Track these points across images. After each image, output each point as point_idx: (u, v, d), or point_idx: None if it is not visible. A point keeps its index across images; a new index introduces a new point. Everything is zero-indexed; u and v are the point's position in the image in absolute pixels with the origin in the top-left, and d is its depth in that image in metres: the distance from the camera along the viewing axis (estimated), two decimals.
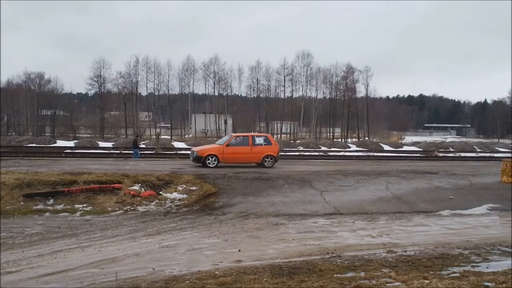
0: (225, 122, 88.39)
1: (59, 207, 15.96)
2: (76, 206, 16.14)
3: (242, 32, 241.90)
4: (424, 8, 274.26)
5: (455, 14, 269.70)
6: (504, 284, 7.75)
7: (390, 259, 9.89)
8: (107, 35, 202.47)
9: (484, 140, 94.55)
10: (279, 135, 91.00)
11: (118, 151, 39.84)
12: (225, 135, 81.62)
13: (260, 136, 26.76)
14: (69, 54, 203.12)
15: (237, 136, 25.77)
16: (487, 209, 17.38)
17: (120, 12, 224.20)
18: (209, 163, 23.95)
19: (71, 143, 51.85)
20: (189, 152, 27.63)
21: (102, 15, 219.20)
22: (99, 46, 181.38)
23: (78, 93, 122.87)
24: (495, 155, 48.55)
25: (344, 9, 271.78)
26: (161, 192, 18.02)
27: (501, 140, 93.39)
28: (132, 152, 33.73)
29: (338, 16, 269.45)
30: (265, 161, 25.16)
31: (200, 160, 24.08)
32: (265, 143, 25.58)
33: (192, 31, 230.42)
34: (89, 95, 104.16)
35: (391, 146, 58.29)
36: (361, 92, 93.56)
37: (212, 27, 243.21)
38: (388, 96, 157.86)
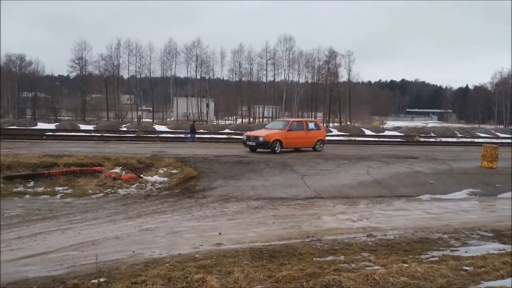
0: (207, 106, 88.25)
1: (39, 189, 15.81)
2: (57, 188, 16.00)
3: (225, 15, 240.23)
4: None
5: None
6: (482, 268, 7.81)
7: (370, 243, 9.93)
8: (91, 16, 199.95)
9: (465, 126, 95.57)
10: (261, 119, 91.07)
11: (99, 134, 39.58)
12: (207, 118, 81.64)
13: (311, 121, 28.61)
14: (51, 35, 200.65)
15: (294, 122, 26.06)
16: (467, 193, 17.53)
17: None
18: (276, 148, 24.05)
19: (52, 126, 51.40)
20: (242, 137, 26.61)
21: None
22: (82, 27, 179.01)
23: (59, 76, 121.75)
24: (476, 140, 48.99)
25: None
26: (142, 175, 17.93)
27: (482, 126, 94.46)
28: (189, 136, 35.74)
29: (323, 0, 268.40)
30: (317, 145, 26.18)
31: (267, 146, 23.93)
32: (316, 128, 26.63)
33: (175, 14, 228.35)
34: (71, 78, 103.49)
35: (373, 131, 58.48)
36: (343, 76, 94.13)
37: (195, 10, 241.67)
38: (370, 81, 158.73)
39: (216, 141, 35.79)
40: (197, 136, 36.32)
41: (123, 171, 18.01)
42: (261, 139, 24.05)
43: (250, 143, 24.63)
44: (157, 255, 8.76)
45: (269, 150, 23.85)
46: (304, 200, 15.37)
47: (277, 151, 23.91)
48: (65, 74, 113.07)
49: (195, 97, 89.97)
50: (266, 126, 29.21)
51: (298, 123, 26.13)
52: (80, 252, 8.93)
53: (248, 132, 28.26)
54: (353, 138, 45.55)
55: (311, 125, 26.44)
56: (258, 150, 24.43)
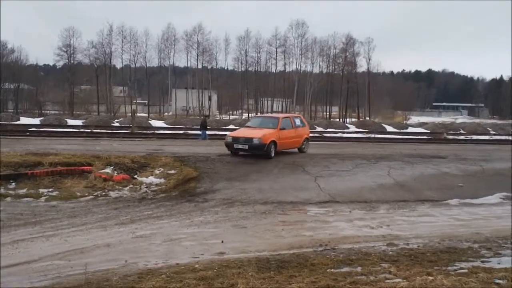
0: (209, 99, 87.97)
1: (22, 191, 15.86)
2: (41, 190, 16.05)
3: None
4: None
5: None
6: None
7: (391, 252, 9.92)
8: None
9: (499, 121, 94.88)
10: (269, 114, 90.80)
11: (89, 130, 39.73)
12: (209, 113, 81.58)
13: (297, 117, 26.17)
14: (36, 21, 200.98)
15: (283, 118, 23.55)
16: (501, 198, 17.39)
17: None
18: (271, 152, 21.69)
19: (36, 121, 51.69)
20: (226, 139, 22.69)
21: None
22: (69, 11, 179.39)
23: (45, 65, 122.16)
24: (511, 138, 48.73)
25: None
26: (135, 176, 17.98)
27: None
28: (200, 132, 35.83)
29: None
30: (303, 145, 24.39)
31: (263, 149, 21.22)
32: (302, 124, 24.87)
33: None
34: (57, 67, 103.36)
35: (395, 127, 58.50)
36: (362, 66, 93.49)
37: None
38: (392, 71, 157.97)
39: (219, 138, 35.75)
40: (198, 132, 36.45)
41: (115, 172, 18.07)
42: (256, 141, 21.17)
43: (241, 146, 21.68)
44: (153, 265, 8.78)
45: (264, 154, 21.43)
46: (317, 205, 15.34)
47: (272, 156, 21.75)
48: (51, 63, 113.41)
49: (196, 89, 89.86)
50: (247, 124, 25.86)
51: (286, 119, 23.67)
52: (67, 262, 8.97)
53: (234, 132, 24.37)
54: (373, 135, 45.45)
55: (298, 122, 24.49)
56: (240, 153, 22.18)
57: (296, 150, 24.21)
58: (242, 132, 22.96)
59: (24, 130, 38.89)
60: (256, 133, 21.79)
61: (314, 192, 16.85)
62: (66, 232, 11.28)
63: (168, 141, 30.86)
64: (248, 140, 21.43)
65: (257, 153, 21.52)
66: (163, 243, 10.43)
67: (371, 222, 13.06)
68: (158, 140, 30.97)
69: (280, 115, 25.02)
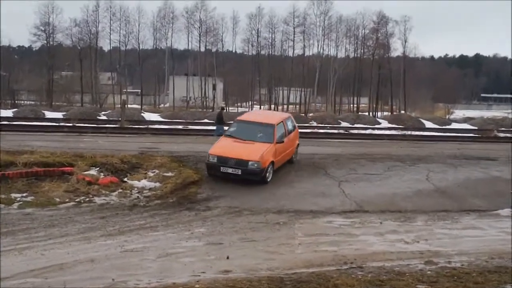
0: (214, 88, 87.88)
1: None
2: (14, 195, 16.05)
3: None
4: None
5: None
6: None
7: (429, 272, 9.91)
8: None
9: None
10: (285, 106, 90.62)
11: (71, 124, 39.85)
12: (214, 104, 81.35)
13: (288, 118, 22.69)
14: None
15: (278, 124, 20.31)
16: None
17: None
18: (268, 176, 18.68)
19: (8, 112, 51.80)
20: (209, 159, 18.71)
21: None
22: None
23: (19, 47, 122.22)
24: None
25: None
26: (125, 179, 18.00)
27: None
28: (215, 128, 34.78)
29: None
30: (293, 156, 21.76)
31: (261, 175, 18.24)
32: (293, 128, 22.09)
33: None
34: (34, 49, 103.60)
35: (435, 123, 58.14)
36: (396, 50, 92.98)
37: None
38: (432, 56, 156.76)
39: None
40: (200, 128, 36.32)
41: (101, 173, 18.09)
42: (252, 165, 18.11)
43: (231, 170, 18.26)
44: (145, 284, 8.82)
45: (260, 180, 18.39)
46: (342, 214, 15.35)
47: (269, 180, 18.74)
48: (26, 45, 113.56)
49: (198, 76, 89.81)
50: (229, 133, 20.66)
51: (280, 125, 20.41)
52: (44, 279, 9.01)
53: (217, 147, 19.28)
54: (409, 133, 45.28)
55: (289, 125, 21.66)
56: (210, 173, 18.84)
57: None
58: (230, 149, 18.93)
59: None
60: (250, 152, 18.58)
61: (338, 199, 16.86)
62: (43, 245, 11.32)
63: (165, 137, 30.83)
64: (241, 162, 18.25)
65: (251, 179, 18.33)
66: (157, 259, 10.46)
67: (406, 236, 13.05)
68: (153, 137, 30.97)
69: (274, 120, 21.00)
